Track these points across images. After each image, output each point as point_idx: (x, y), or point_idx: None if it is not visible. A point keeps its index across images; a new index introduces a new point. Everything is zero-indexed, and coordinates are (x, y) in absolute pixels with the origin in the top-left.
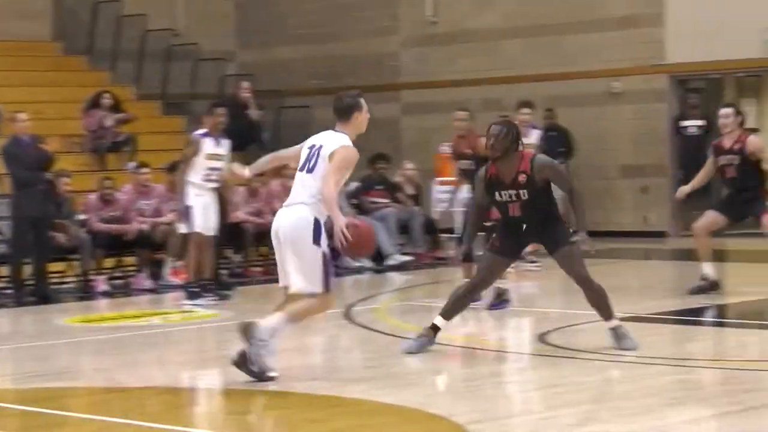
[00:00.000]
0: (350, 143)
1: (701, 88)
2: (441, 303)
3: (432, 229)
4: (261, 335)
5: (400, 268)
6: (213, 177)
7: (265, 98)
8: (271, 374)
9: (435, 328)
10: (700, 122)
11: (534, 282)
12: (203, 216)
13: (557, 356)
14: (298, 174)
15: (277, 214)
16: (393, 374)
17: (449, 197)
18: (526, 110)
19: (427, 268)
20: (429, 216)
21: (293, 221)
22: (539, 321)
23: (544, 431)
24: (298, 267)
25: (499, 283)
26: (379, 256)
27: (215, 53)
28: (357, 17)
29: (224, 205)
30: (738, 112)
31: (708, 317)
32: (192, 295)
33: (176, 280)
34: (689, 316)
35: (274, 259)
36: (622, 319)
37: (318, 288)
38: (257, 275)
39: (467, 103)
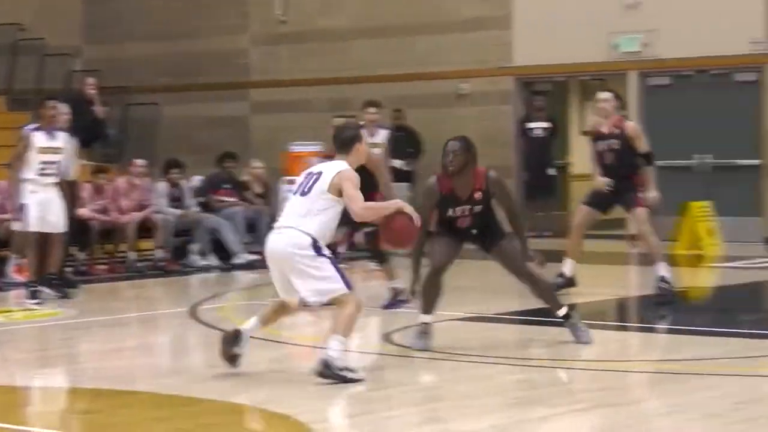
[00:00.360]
0: (347, 166)
1: (547, 91)
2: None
3: None
4: (338, 365)
5: (247, 267)
6: (48, 171)
7: (112, 95)
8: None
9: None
10: (545, 124)
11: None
12: (40, 213)
13: (403, 356)
14: (291, 196)
15: (269, 238)
16: (238, 373)
17: None
18: (372, 109)
19: None
20: (277, 215)
21: (288, 246)
22: (388, 320)
23: (387, 430)
24: (312, 285)
25: (394, 283)
26: (225, 255)
27: (61, 48)
28: (206, 14)
29: (72, 201)
30: (617, 96)
31: (552, 317)
32: (33, 294)
33: (19, 278)
34: (534, 317)
35: (120, 257)
36: (465, 319)
37: (342, 288)
38: (102, 273)
39: (315, 103)
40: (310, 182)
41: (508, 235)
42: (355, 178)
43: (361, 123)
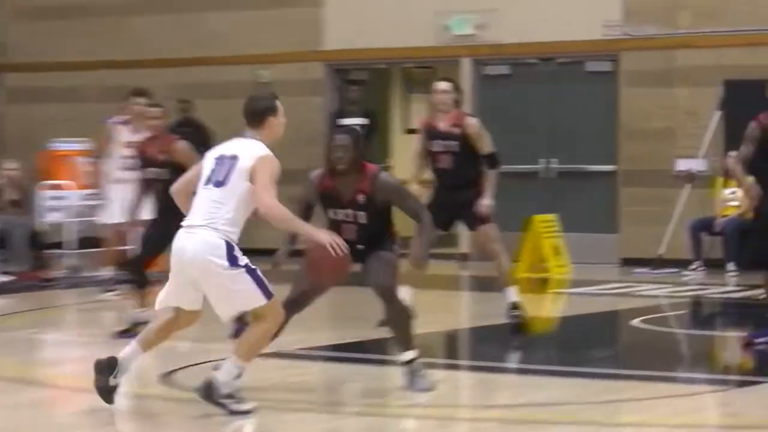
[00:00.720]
0: (269, 152)
1: (364, 80)
2: (51, 335)
3: (38, 243)
4: (222, 392)
5: None
6: None
7: None
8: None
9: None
10: (361, 120)
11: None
12: None
13: (185, 401)
14: (202, 188)
15: (179, 236)
16: None
17: (64, 204)
18: (140, 100)
19: (32, 290)
20: (34, 227)
21: (201, 251)
22: (170, 357)
23: None
24: (225, 295)
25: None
26: None
27: None
28: None
29: None
30: (457, 88)
31: (369, 352)
32: None
33: None
34: (350, 352)
35: None
36: (270, 355)
37: (260, 300)
38: None
39: (84, 91)
40: (225, 169)
41: (392, 249)
42: (277, 168)
43: (126, 118)
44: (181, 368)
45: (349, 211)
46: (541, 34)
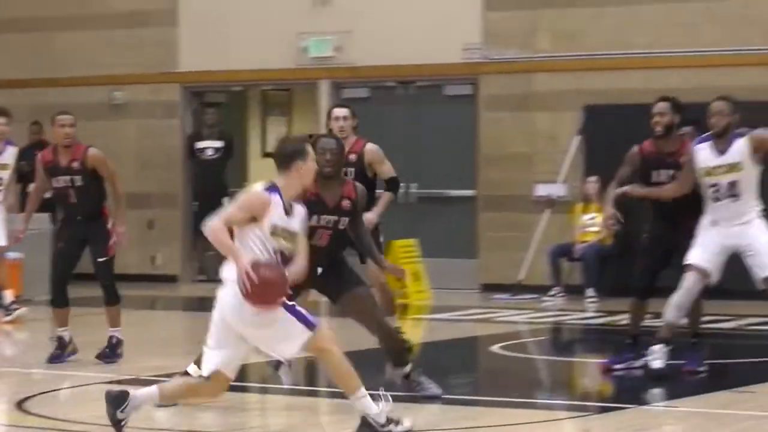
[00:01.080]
0: (255, 187)
1: (220, 103)
2: None
3: None
4: (380, 421)
5: None
6: None
7: None
8: None
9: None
10: (217, 143)
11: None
12: None
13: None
14: None
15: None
16: None
17: None
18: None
19: None
20: None
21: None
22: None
23: None
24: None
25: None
26: None
27: None
28: None
29: None
30: (354, 114)
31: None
32: None
33: None
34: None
35: None
36: (122, 381)
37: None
38: None
39: None
40: None
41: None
42: (253, 200)
43: None
44: (36, 395)
45: (333, 218)
46: (400, 56)
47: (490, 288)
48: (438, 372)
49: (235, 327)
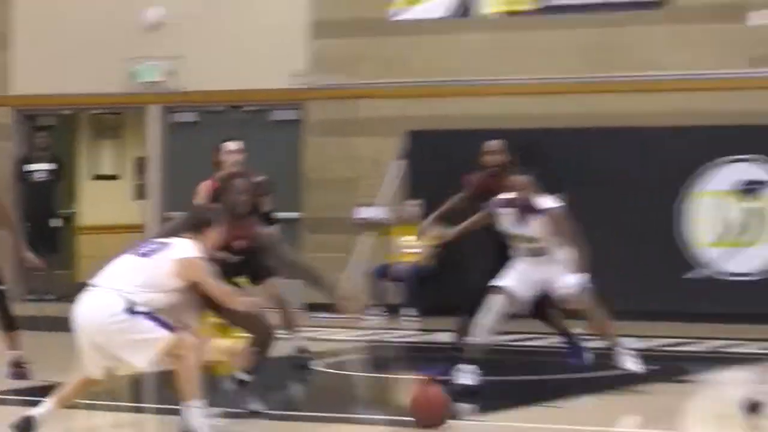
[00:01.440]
0: (201, 257)
1: (51, 126)
2: None
3: None
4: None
5: None
6: None
7: None
8: None
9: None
10: (48, 166)
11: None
12: None
13: None
14: (127, 256)
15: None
16: None
17: None
18: None
19: None
20: None
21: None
22: None
23: None
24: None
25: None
26: None
27: None
28: None
29: None
30: (243, 150)
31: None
32: None
33: None
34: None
35: None
36: None
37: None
38: None
39: None
40: (156, 249)
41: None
42: (197, 269)
43: None
44: None
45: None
46: (229, 82)
47: (313, 307)
48: (259, 388)
49: (93, 337)
